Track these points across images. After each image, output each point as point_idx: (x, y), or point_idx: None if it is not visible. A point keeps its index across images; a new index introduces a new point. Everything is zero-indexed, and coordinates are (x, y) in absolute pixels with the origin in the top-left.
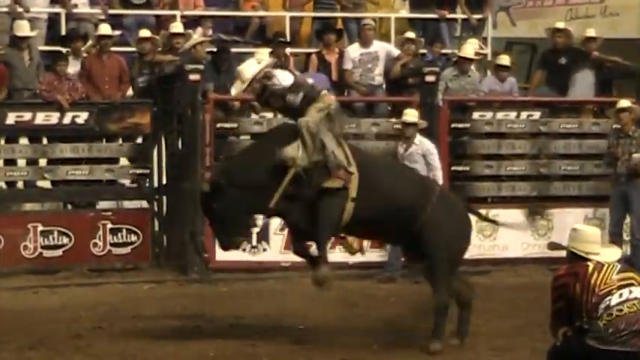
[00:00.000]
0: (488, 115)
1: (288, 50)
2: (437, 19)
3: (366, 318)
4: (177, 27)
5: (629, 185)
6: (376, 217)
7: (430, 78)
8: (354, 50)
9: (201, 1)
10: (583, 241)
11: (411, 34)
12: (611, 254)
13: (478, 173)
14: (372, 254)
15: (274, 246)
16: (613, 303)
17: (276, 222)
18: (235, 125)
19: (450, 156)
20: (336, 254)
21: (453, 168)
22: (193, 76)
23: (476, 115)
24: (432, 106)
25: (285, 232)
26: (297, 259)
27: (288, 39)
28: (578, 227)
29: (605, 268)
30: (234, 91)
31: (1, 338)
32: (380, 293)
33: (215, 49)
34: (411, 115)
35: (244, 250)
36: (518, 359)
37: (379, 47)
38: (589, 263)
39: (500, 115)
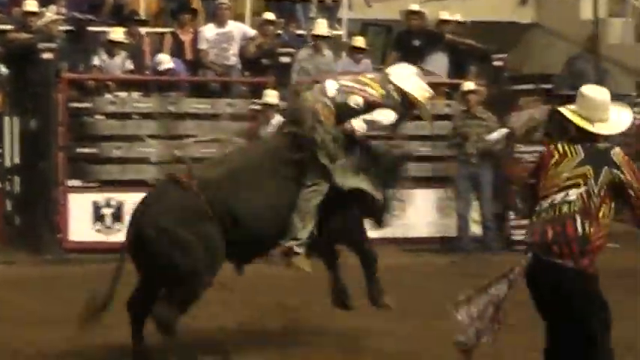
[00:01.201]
0: None
1: (143, 30)
2: (292, 1)
3: (220, 299)
4: (30, 5)
5: (480, 166)
6: None
7: (285, 59)
8: (209, 30)
9: None
10: (588, 107)
11: (270, 15)
12: (618, 122)
13: None
14: None
15: None
16: (540, 209)
17: (130, 203)
18: (90, 105)
19: None
20: None
21: None
22: (47, 55)
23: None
24: (287, 87)
25: None
26: None
27: (143, 18)
28: (584, 91)
29: (565, 161)
30: None
31: None
32: (232, 275)
33: (69, 28)
34: (272, 96)
35: (98, 230)
36: (373, 340)
37: (234, 27)
38: (555, 153)
39: None
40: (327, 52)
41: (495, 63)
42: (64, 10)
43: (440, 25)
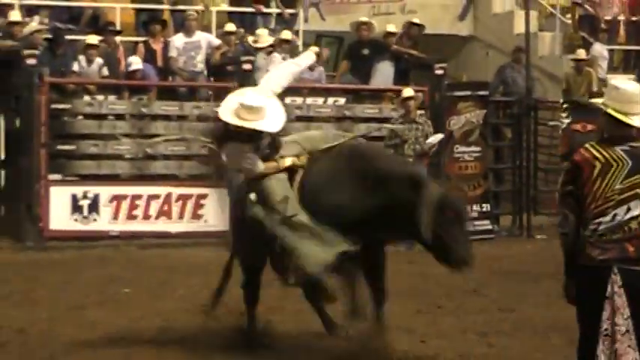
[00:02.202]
0: (299, 100)
1: (118, 38)
2: (253, 13)
3: (186, 283)
4: (14, 15)
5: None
6: None
7: (247, 66)
8: (178, 39)
9: None
10: (622, 100)
11: (231, 27)
12: None
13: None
14: (193, 224)
15: (103, 217)
16: (601, 228)
17: (105, 195)
18: (69, 106)
19: None
20: (160, 224)
21: None
22: (30, 61)
23: (288, 99)
24: None
25: (114, 204)
26: (124, 228)
27: (119, 28)
28: (618, 85)
29: (612, 170)
30: None
31: None
32: (199, 261)
33: (51, 36)
34: None
35: (76, 220)
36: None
37: (201, 37)
38: (596, 163)
39: (309, 100)
40: (277, 56)
41: (436, 72)
42: (46, 21)
43: (386, 37)
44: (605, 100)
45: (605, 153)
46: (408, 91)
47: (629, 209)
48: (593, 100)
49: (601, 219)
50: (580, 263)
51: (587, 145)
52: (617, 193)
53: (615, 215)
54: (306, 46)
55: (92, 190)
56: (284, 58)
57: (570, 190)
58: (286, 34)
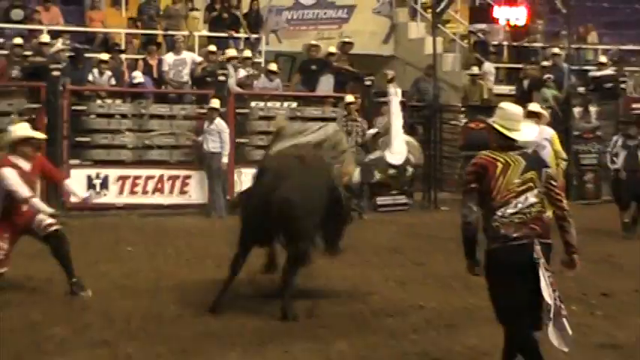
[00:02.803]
0: (262, 104)
1: (123, 56)
2: (227, 37)
3: (174, 243)
4: (44, 37)
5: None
6: None
7: (222, 78)
8: (169, 57)
9: (61, 19)
10: (507, 118)
11: (213, 47)
12: (527, 132)
13: (256, 144)
14: (180, 198)
15: (112, 192)
16: (508, 213)
17: (113, 175)
18: (85, 108)
19: (236, 132)
20: (156, 197)
21: (237, 140)
22: (55, 73)
23: (253, 103)
24: (222, 97)
25: (119, 183)
26: (128, 201)
27: (123, 48)
28: (503, 105)
29: (510, 170)
30: None
31: None
32: (185, 226)
33: (72, 54)
34: (216, 103)
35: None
36: None
37: (187, 55)
38: (498, 163)
39: (269, 104)
40: (242, 71)
41: (366, 83)
42: (68, 42)
43: (328, 56)
44: (494, 118)
45: (504, 156)
46: (349, 98)
47: (527, 198)
48: (490, 122)
49: (506, 207)
50: (496, 245)
51: (486, 152)
52: (516, 186)
53: (517, 204)
54: (267, 63)
55: (103, 172)
56: (248, 71)
57: (475, 187)
58: (247, 53)
